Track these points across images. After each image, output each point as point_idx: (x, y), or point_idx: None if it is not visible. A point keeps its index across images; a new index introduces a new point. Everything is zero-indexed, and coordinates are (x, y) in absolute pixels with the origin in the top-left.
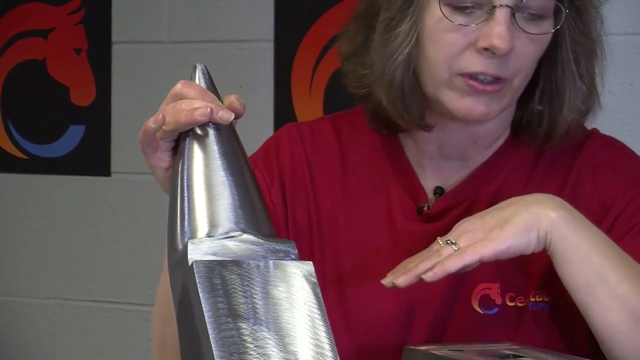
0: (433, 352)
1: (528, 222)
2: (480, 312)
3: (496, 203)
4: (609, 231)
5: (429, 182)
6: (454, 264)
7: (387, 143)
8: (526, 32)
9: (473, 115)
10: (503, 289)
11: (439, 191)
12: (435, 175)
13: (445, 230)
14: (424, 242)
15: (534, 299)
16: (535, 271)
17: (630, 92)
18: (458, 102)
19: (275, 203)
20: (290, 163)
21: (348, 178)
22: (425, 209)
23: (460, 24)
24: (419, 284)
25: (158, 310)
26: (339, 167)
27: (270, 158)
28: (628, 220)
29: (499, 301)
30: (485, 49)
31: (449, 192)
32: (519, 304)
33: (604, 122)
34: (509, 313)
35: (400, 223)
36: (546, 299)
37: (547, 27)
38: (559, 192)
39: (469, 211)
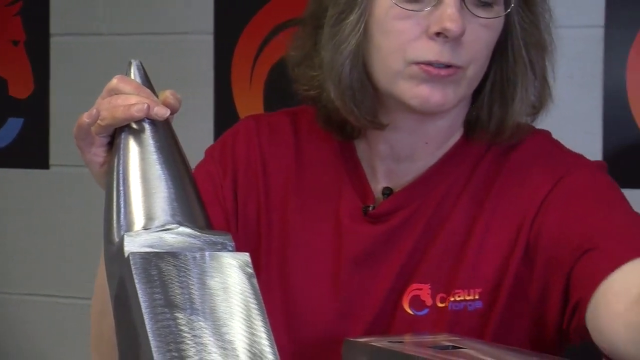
0: (372, 344)
1: None
2: (411, 313)
3: (443, 204)
4: (538, 212)
5: (379, 184)
6: None
7: (342, 145)
8: (477, 16)
9: (429, 104)
10: (434, 290)
11: (387, 192)
12: (387, 176)
13: (391, 232)
14: (367, 244)
15: (462, 298)
16: (467, 272)
17: (568, 85)
18: (414, 90)
19: (226, 197)
20: (245, 158)
21: (302, 176)
22: (370, 209)
23: (410, 10)
24: (362, 287)
25: (95, 303)
26: (294, 164)
27: (226, 151)
28: (556, 196)
29: (429, 302)
30: (438, 33)
31: (396, 193)
32: (449, 304)
33: (542, 114)
34: (439, 314)
35: (346, 224)
36: (476, 298)
37: (497, 13)
38: (491, 185)
39: (416, 213)
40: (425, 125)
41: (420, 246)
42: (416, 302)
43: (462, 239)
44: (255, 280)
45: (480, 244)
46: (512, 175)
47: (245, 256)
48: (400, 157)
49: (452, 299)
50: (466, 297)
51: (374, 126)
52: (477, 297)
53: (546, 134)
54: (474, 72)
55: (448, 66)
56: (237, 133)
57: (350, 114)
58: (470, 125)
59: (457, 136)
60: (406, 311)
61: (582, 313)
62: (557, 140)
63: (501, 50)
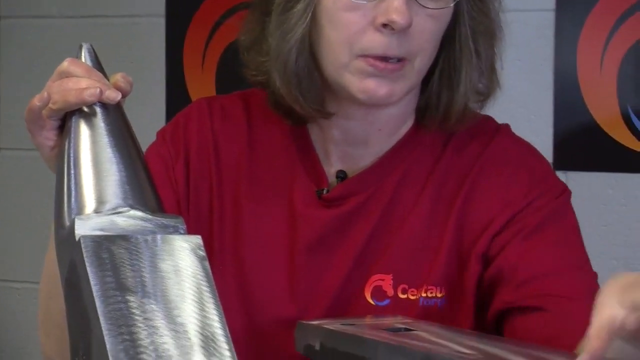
0: (325, 326)
1: None
2: (372, 303)
3: (400, 191)
4: (504, 227)
5: (333, 167)
6: None
7: (295, 128)
8: (425, 7)
9: (376, 97)
10: (396, 281)
11: (341, 175)
12: (341, 160)
13: (345, 216)
14: (322, 228)
15: (425, 294)
16: (430, 266)
17: (519, 68)
18: (360, 84)
19: (178, 179)
20: (197, 140)
21: (254, 160)
22: (324, 192)
23: (358, 2)
24: (317, 274)
25: (43, 286)
26: (246, 148)
27: (178, 133)
28: (523, 219)
29: (390, 293)
30: (384, 25)
31: (352, 178)
32: (411, 297)
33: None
34: (400, 305)
35: (300, 208)
36: (439, 295)
37: (446, 2)
38: (459, 182)
39: (372, 199)
40: (376, 113)
41: (379, 235)
42: (378, 293)
43: (428, 234)
44: (207, 263)
45: (445, 241)
46: (484, 179)
47: (197, 239)
48: (354, 143)
49: (423, 294)
50: (437, 294)
51: (320, 115)
52: (444, 294)
53: (509, 132)
54: (421, 63)
55: (397, 58)
56: (190, 115)
57: (295, 102)
58: (421, 111)
59: (409, 122)
60: (368, 301)
61: None
62: (521, 139)
63: (449, 39)
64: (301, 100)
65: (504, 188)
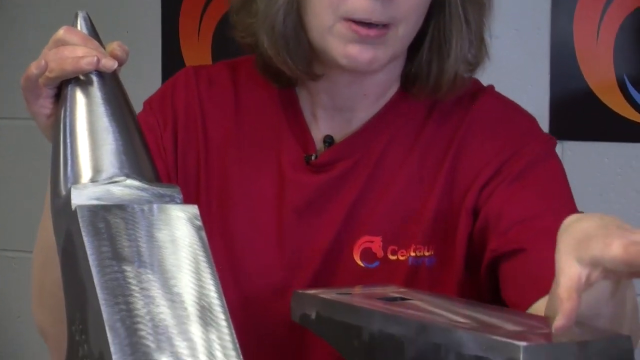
0: (321, 295)
1: None
2: (362, 265)
3: (387, 155)
4: (491, 178)
5: (321, 133)
6: None
7: (282, 93)
8: None
9: (358, 63)
10: (385, 242)
11: (328, 140)
12: (328, 126)
13: (333, 182)
14: (310, 193)
15: (414, 253)
16: (417, 226)
17: (515, 38)
18: (343, 49)
19: (166, 148)
20: (184, 108)
21: (241, 127)
22: (313, 158)
23: None
24: (306, 238)
25: (37, 256)
26: (233, 115)
27: (165, 102)
28: (508, 168)
29: (380, 255)
30: None
31: (339, 143)
32: (401, 258)
33: (489, 67)
34: (390, 267)
35: (289, 173)
36: (426, 253)
37: None
38: (447, 143)
39: (359, 163)
40: (361, 78)
41: (367, 198)
42: (367, 255)
43: (416, 195)
44: (203, 233)
45: (433, 201)
46: (470, 138)
47: (194, 208)
48: (341, 108)
49: (412, 254)
50: (425, 252)
51: (308, 77)
52: (432, 253)
53: (494, 92)
54: (405, 31)
55: (381, 24)
56: (176, 84)
57: (284, 64)
58: (408, 79)
59: (395, 88)
60: (357, 263)
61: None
62: (506, 98)
63: (439, 7)
64: (289, 61)
65: (489, 143)
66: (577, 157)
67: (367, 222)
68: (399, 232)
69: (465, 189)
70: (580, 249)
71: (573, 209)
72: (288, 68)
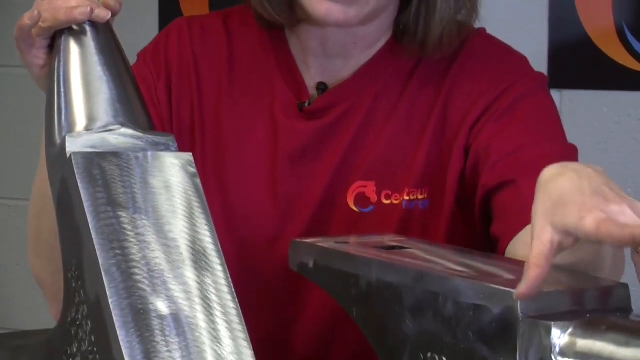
0: (319, 244)
1: None
2: (356, 210)
3: (379, 100)
4: (481, 115)
5: (313, 80)
6: None
7: (274, 40)
8: None
9: (330, 21)
10: (378, 187)
11: (322, 87)
12: (320, 73)
13: (326, 128)
14: (303, 140)
15: (408, 197)
16: (410, 170)
17: None
18: (314, 4)
19: (160, 99)
20: (177, 59)
21: (234, 75)
22: (306, 105)
23: None
24: (299, 184)
25: (33, 205)
26: (226, 64)
27: (158, 53)
28: (497, 103)
29: (374, 199)
30: None
31: (332, 89)
32: (394, 202)
33: (487, 17)
34: (384, 211)
35: (282, 120)
36: (420, 197)
37: None
38: (438, 85)
39: (352, 110)
40: (348, 28)
41: (360, 143)
42: (361, 199)
43: (408, 138)
44: (198, 180)
45: (425, 144)
46: (461, 78)
47: (188, 156)
48: (332, 55)
49: (406, 197)
50: (418, 196)
51: (287, 22)
52: (425, 196)
53: (484, 34)
54: None
55: None
56: (169, 34)
57: (262, 8)
58: (400, 34)
59: (387, 36)
60: (351, 208)
61: (502, 247)
62: (496, 39)
63: None
64: (267, 6)
65: (478, 83)
66: (575, 106)
67: (360, 168)
68: (392, 177)
69: (456, 129)
70: (556, 215)
71: (562, 141)
72: (267, 13)
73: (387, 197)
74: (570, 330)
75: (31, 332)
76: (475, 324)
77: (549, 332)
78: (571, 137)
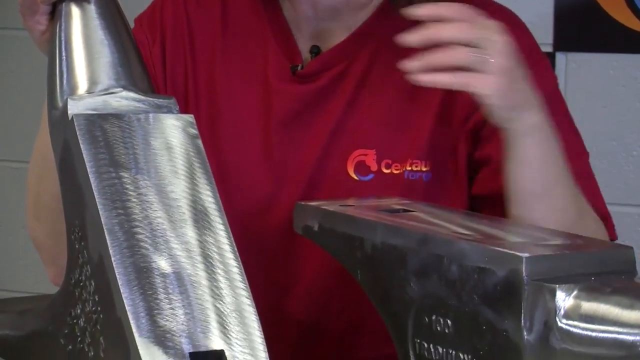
0: (324, 207)
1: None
2: (356, 178)
3: (375, 64)
4: None
5: (306, 44)
6: None
7: (267, 5)
8: None
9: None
10: (379, 155)
11: (315, 50)
12: (313, 36)
13: (320, 92)
14: (296, 103)
15: (410, 168)
16: (414, 140)
17: None
18: None
19: (155, 64)
20: (172, 24)
21: (228, 40)
22: (299, 68)
23: None
24: (293, 149)
25: (33, 168)
26: (220, 29)
27: (154, 18)
28: None
29: (374, 168)
30: None
31: (325, 52)
32: (395, 172)
33: None
34: (384, 180)
35: (275, 83)
36: (424, 169)
37: None
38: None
39: (346, 73)
40: None
41: (357, 109)
42: (361, 168)
43: (410, 107)
44: (199, 141)
45: (431, 116)
46: None
47: (189, 117)
48: (324, 17)
49: (408, 168)
50: (422, 167)
51: None
52: (429, 168)
53: None
54: None
55: None
56: (165, 0)
57: None
58: None
59: None
60: (351, 176)
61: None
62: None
63: None
64: None
65: None
66: (581, 68)
67: (358, 135)
68: (393, 146)
69: (469, 109)
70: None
71: (571, 126)
72: None
73: (387, 166)
74: (574, 293)
75: (35, 296)
76: (479, 287)
77: (553, 295)
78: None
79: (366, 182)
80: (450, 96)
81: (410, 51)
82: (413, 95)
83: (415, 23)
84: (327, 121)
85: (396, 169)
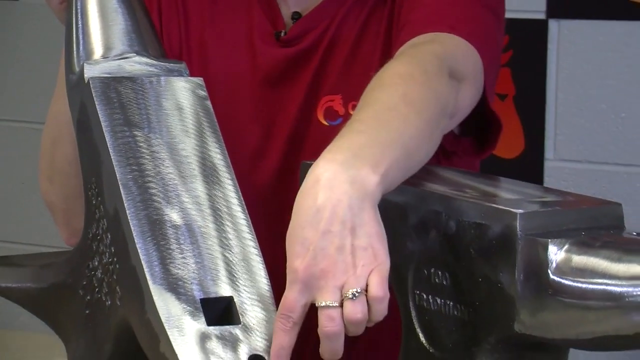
0: None
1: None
2: (326, 124)
3: (345, 24)
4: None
5: (289, 10)
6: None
7: None
8: None
9: None
10: (345, 99)
11: (296, 16)
12: (294, 2)
13: (301, 53)
14: (280, 64)
15: None
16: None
17: None
18: None
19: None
20: None
21: (217, 7)
22: (282, 34)
23: None
24: (278, 105)
25: (48, 132)
26: None
27: None
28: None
29: (342, 112)
30: None
31: (304, 17)
32: None
33: None
34: None
35: (260, 47)
36: None
37: None
38: (389, 16)
39: (322, 34)
40: None
41: (328, 63)
42: (330, 113)
43: (368, 50)
44: (208, 102)
45: (379, 53)
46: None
47: (199, 80)
48: None
49: None
50: None
51: None
52: None
53: None
54: None
55: None
56: None
57: None
58: None
59: None
60: (321, 122)
61: None
62: None
63: None
64: None
65: None
66: (573, 35)
67: (327, 83)
68: (356, 88)
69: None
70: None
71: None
72: None
73: (354, 107)
74: (566, 247)
75: (54, 252)
76: (476, 242)
77: (546, 249)
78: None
79: (336, 127)
80: (389, 28)
81: (376, 12)
82: (374, 42)
83: None
84: (305, 78)
85: None
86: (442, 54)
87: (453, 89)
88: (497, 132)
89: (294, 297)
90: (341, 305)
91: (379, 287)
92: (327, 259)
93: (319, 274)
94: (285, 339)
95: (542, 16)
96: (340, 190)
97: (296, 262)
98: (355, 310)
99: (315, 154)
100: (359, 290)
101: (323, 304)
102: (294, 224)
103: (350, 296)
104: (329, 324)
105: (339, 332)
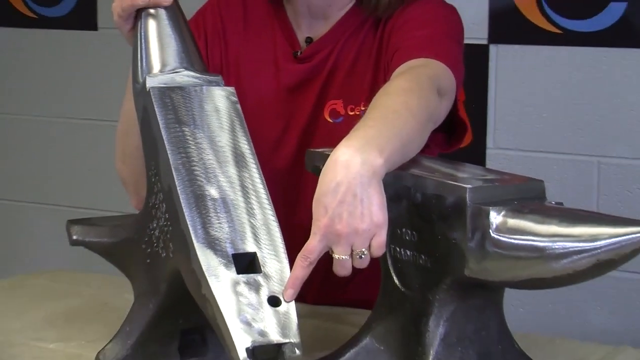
0: (327, 152)
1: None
2: (330, 121)
3: (349, 44)
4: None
5: (303, 35)
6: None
7: (276, 7)
8: None
9: (314, 5)
10: (345, 103)
11: (309, 40)
12: (308, 29)
13: (313, 68)
14: (297, 77)
15: (364, 108)
16: (362, 88)
17: None
18: None
19: (201, 49)
20: (211, 22)
21: (248, 32)
22: (299, 53)
23: None
24: (295, 108)
25: (121, 126)
26: (242, 25)
27: (198, 19)
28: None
29: (342, 112)
30: None
31: (316, 41)
32: (357, 113)
33: None
34: (351, 120)
35: (281, 63)
36: (363, 108)
37: None
38: (380, 35)
39: (329, 53)
40: None
41: (335, 75)
42: (333, 113)
43: (364, 64)
44: (238, 106)
45: (371, 64)
46: (406, 11)
47: (231, 89)
48: (315, 16)
49: (363, 108)
50: (362, 107)
51: None
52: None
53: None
54: None
55: None
56: (206, 6)
57: None
58: None
59: (353, 0)
60: (327, 120)
61: None
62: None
63: None
64: None
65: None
66: (508, 56)
67: (332, 91)
68: (353, 94)
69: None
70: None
71: (434, 34)
72: None
73: (352, 109)
74: (503, 212)
75: (124, 215)
76: (436, 209)
77: (488, 214)
78: (505, 79)
79: (338, 124)
80: (381, 46)
81: (368, 37)
82: (369, 59)
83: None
84: (316, 87)
85: (357, 111)
86: (433, 76)
87: (438, 102)
88: (462, 133)
89: (314, 245)
90: (350, 256)
91: (379, 249)
92: (341, 223)
93: (335, 233)
94: (302, 273)
95: (484, 42)
96: (355, 169)
97: (319, 221)
98: (362, 264)
99: (321, 144)
100: (365, 252)
101: (337, 257)
102: (319, 192)
103: (358, 256)
104: (341, 271)
105: (348, 274)
